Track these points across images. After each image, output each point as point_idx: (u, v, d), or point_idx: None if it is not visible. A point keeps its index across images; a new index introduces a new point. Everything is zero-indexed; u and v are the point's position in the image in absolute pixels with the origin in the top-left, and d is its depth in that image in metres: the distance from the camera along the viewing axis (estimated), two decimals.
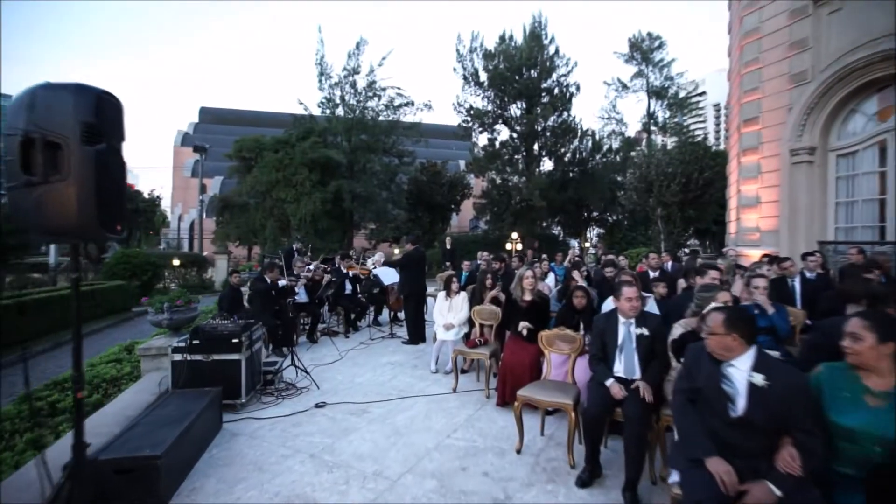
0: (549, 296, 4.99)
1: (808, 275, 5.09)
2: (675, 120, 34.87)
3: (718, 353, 2.12)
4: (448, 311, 5.48)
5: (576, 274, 5.39)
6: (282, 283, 6.19)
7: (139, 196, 26.61)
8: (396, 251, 25.06)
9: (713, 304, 2.71)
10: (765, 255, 6.03)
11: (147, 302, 4.81)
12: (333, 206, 23.21)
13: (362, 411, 4.19)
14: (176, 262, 23.27)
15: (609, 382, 2.96)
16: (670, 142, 31.37)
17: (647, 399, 2.81)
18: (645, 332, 3.02)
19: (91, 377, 4.85)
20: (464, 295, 5.55)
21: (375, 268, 8.26)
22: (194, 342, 3.99)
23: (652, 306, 4.12)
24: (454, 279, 5.56)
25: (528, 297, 4.40)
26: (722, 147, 28.73)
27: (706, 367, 2.16)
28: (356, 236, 28.53)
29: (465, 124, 26.91)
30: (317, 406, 4.29)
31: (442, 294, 5.59)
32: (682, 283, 5.54)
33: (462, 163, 33.22)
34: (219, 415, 3.75)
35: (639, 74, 34.72)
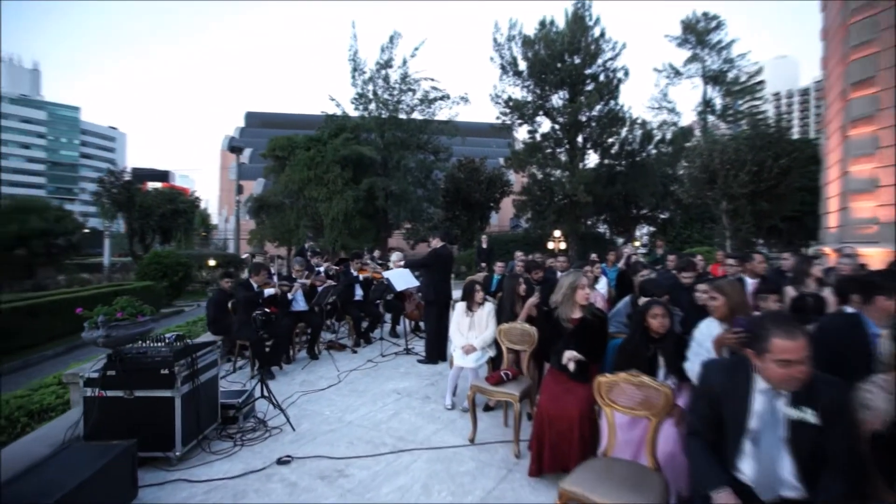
0: (605, 312, 3.60)
1: None
2: (734, 107, 31.81)
3: None
4: (469, 329, 4.20)
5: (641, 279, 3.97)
6: (269, 291, 5.12)
7: (179, 196, 26.96)
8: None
9: None
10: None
11: (83, 313, 3.84)
12: (367, 204, 22.46)
13: (338, 473, 3.00)
14: (211, 263, 23.28)
15: (720, 497, 1.59)
16: (727, 129, 28.55)
17: None
18: (810, 417, 1.63)
19: (17, 405, 3.95)
20: (490, 307, 4.25)
21: (391, 268, 7.10)
22: (109, 373, 2.94)
23: None
24: (477, 286, 4.26)
25: (576, 313, 3.05)
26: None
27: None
28: (393, 236, 27.74)
29: (503, 116, 25.36)
30: (279, 462, 3.13)
31: (461, 306, 4.31)
32: (789, 291, 4.02)
33: (501, 160, 31.73)
34: (130, 479, 2.66)
35: (693, 58, 31.91)
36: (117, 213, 25.84)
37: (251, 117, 55.04)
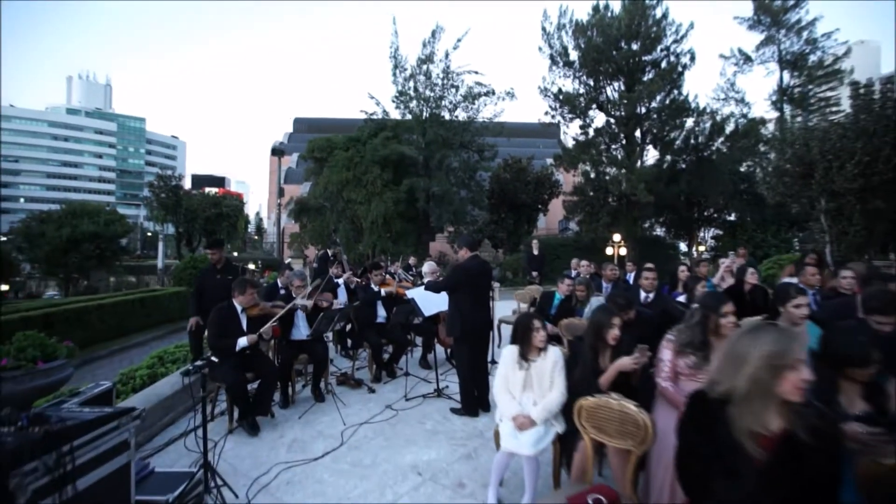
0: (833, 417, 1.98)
1: None
2: (816, 94, 28.17)
3: None
4: (523, 389, 2.74)
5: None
6: (241, 343, 3.79)
7: (224, 200, 27.11)
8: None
9: None
10: None
11: None
12: (407, 206, 21.37)
13: None
14: (251, 266, 23.01)
15: None
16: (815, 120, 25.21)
17: None
18: None
19: None
20: (556, 356, 2.76)
21: (423, 281, 5.75)
22: None
23: None
24: (536, 324, 2.77)
25: (775, 421, 1.45)
26: None
27: None
28: (436, 240, 26.54)
29: (552, 111, 23.53)
30: None
31: (511, 353, 2.85)
32: None
33: (549, 160, 29.80)
34: None
35: (767, 41, 28.61)
36: (166, 217, 26.42)
37: (299, 123, 55.86)
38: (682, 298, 4.62)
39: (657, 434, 2.04)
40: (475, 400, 4.18)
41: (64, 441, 1.93)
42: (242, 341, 3.80)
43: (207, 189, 38.72)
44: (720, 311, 2.41)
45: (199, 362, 2.54)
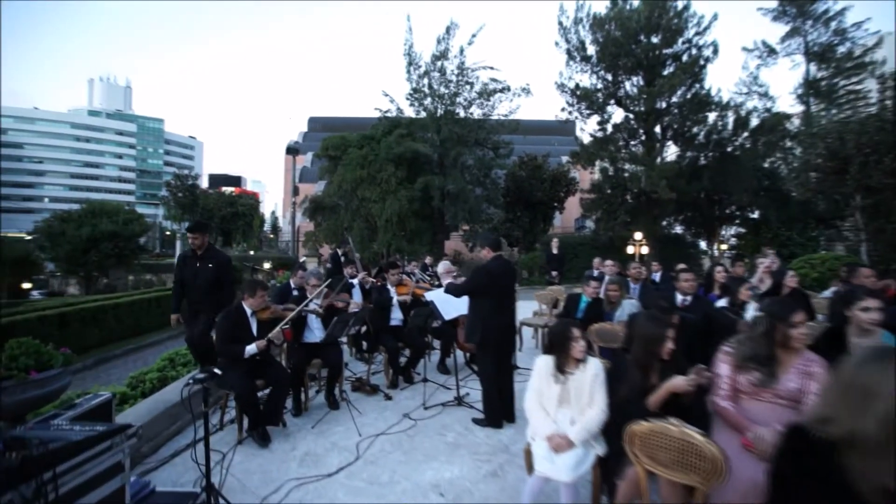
0: None
1: None
2: (843, 87, 27.11)
3: None
4: (558, 405, 2.46)
5: None
6: (249, 351, 3.58)
7: (239, 199, 27.24)
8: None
9: None
10: None
11: None
12: (422, 205, 21.15)
13: None
14: (267, 266, 23.04)
15: None
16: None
17: None
18: None
19: None
20: (596, 368, 2.47)
21: (440, 284, 5.47)
22: None
23: None
24: (575, 332, 2.48)
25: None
26: None
27: None
28: (451, 238, 26.27)
29: (569, 107, 23.06)
30: None
31: (545, 364, 2.57)
32: None
33: (564, 158, 29.25)
34: None
35: (793, 33, 27.64)
36: (183, 216, 26.71)
37: (313, 122, 56.06)
38: (722, 302, 4.26)
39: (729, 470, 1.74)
40: (499, 410, 3.90)
41: (46, 467, 1.70)
42: (251, 348, 3.58)
43: (224, 188, 39.10)
44: (790, 320, 2.09)
45: (199, 374, 2.32)
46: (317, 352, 4.29)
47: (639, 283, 5.80)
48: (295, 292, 5.26)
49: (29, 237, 27.44)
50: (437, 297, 4.12)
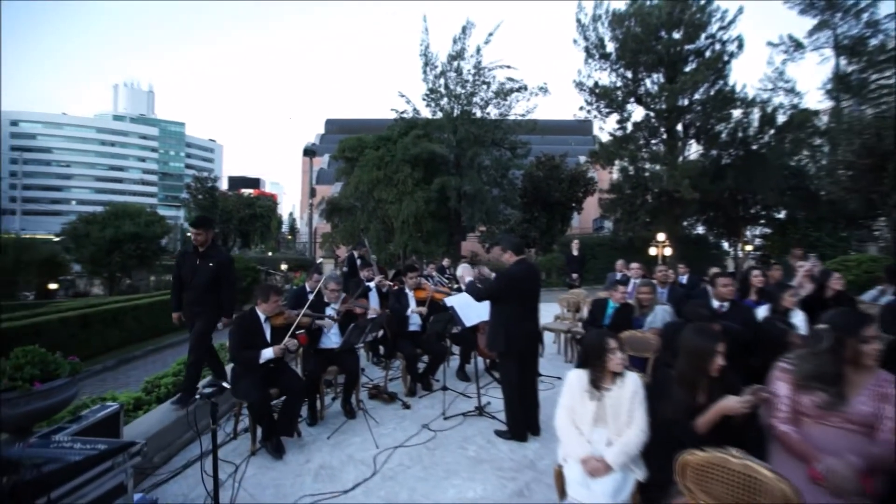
0: None
1: None
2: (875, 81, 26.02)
3: None
4: (594, 423, 2.25)
5: None
6: (265, 356, 3.45)
7: (257, 201, 27.50)
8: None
9: None
10: None
11: None
12: (438, 206, 21.03)
13: None
14: (284, 267, 23.18)
15: None
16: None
17: None
18: None
19: None
20: (635, 384, 2.26)
21: (459, 288, 5.31)
22: None
23: None
24: (612, 343, 2.27)
25: None
26: None
27: None
28: (467, 239, 26.09)
29: (587, 106, 22.66)
30: None
31: (578, 379, 2.36)
32: None
33: (581, 158, 28.78)
34: None
35: (821, 26, 26.67)
36: None
37: (330, 124, 56.47)
38: (762, 310, 3.99)
39: None
40: (523, 422, 3.69)
41: (40, 492, 1.57)
42: (268, 353, 3.45)
43: (243, 190, 39.63)
44: (862, 334, 1.85)
45: (207, 387, 2.18)
46: (333, 358, 4.15)
47: (665, 286, 5.52)
48: (310, 296, 5.14)
49: (56, 239, 28.16)
50: (457, 302, 3.93)
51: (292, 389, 3.57)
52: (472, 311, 3.92)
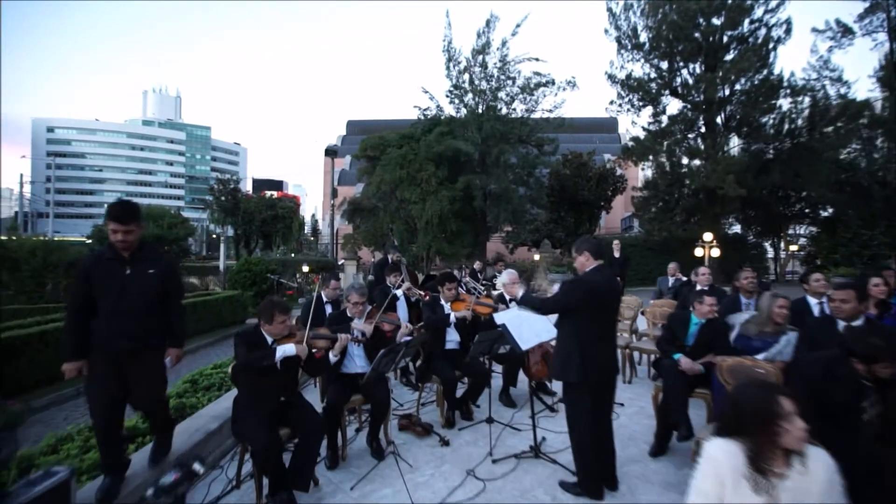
0: None
1: None
2: None
3: None
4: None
5: None
6: (287, 349, 2.79)
7: (279, 202, 27.31)
8: (536, 257, 20.81)
9: None
10: None
11: None
12: (463, 205, 20.25)
13: None
14: (305, 269, 22.77)
15: None
16: None
17: None
18: None
19: None
20: (826, 464, 1.44)
21: (508, 304, 4.55)
22: None
23: None
24: (785, 408, 1.46)
25: None
26: None
27: None
28: (491, 240, 25.24)
29: (619, 99, 21.56)
30: None
31: (728, 460, 1.54)
32: None
33: (607, 157, 27.61)
34: None
35: (874, 9, 24.84)
36: (226, 220, 27.07)
37: (352, 125, 56.45)
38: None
39: None
40: (596, 472, 2.89)
41: None
42: (289, 349, 2.77)
43: (266, 192, 39.75)
44: None
45: (169, 478, 1.48)
46: (358, 385, 3.42)
47: (752, 297, 4.59)
48: (328, 307, 4.44)
49: (88, 241, 28.61)
50: (510, 319, 3.15)
51: (308, 430, 2.85)
52: (530, 331, 3.14)
